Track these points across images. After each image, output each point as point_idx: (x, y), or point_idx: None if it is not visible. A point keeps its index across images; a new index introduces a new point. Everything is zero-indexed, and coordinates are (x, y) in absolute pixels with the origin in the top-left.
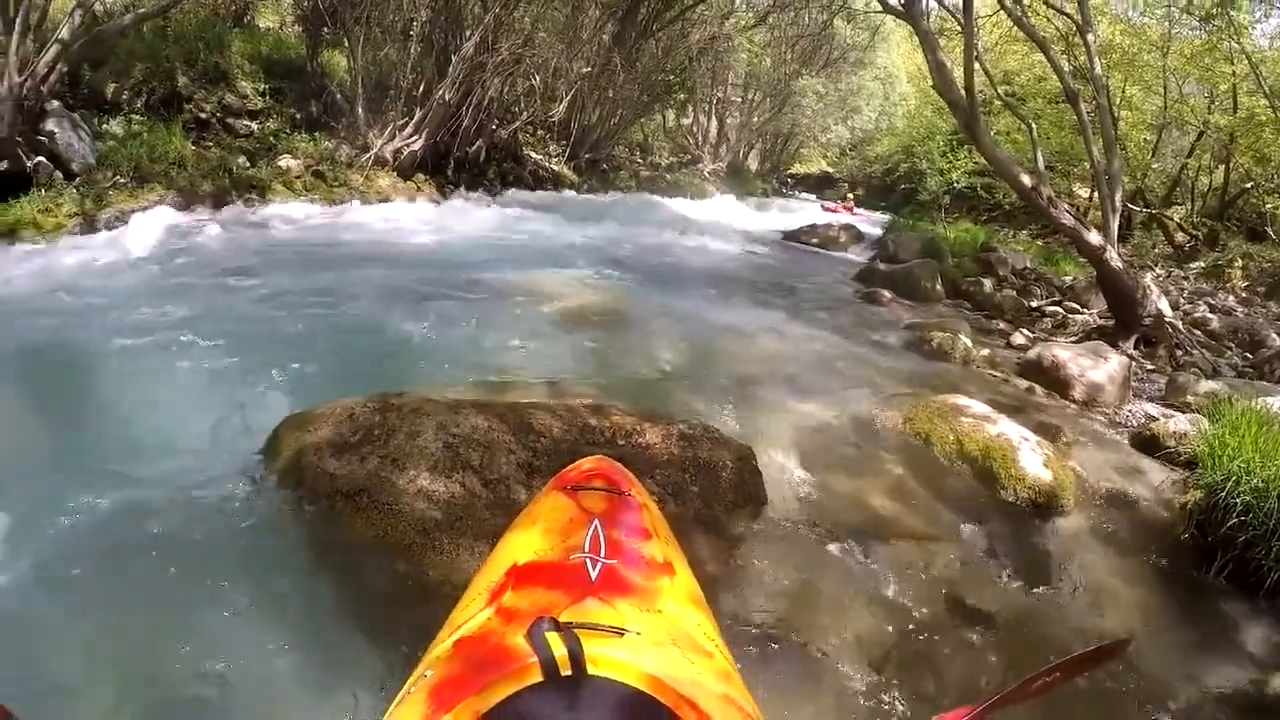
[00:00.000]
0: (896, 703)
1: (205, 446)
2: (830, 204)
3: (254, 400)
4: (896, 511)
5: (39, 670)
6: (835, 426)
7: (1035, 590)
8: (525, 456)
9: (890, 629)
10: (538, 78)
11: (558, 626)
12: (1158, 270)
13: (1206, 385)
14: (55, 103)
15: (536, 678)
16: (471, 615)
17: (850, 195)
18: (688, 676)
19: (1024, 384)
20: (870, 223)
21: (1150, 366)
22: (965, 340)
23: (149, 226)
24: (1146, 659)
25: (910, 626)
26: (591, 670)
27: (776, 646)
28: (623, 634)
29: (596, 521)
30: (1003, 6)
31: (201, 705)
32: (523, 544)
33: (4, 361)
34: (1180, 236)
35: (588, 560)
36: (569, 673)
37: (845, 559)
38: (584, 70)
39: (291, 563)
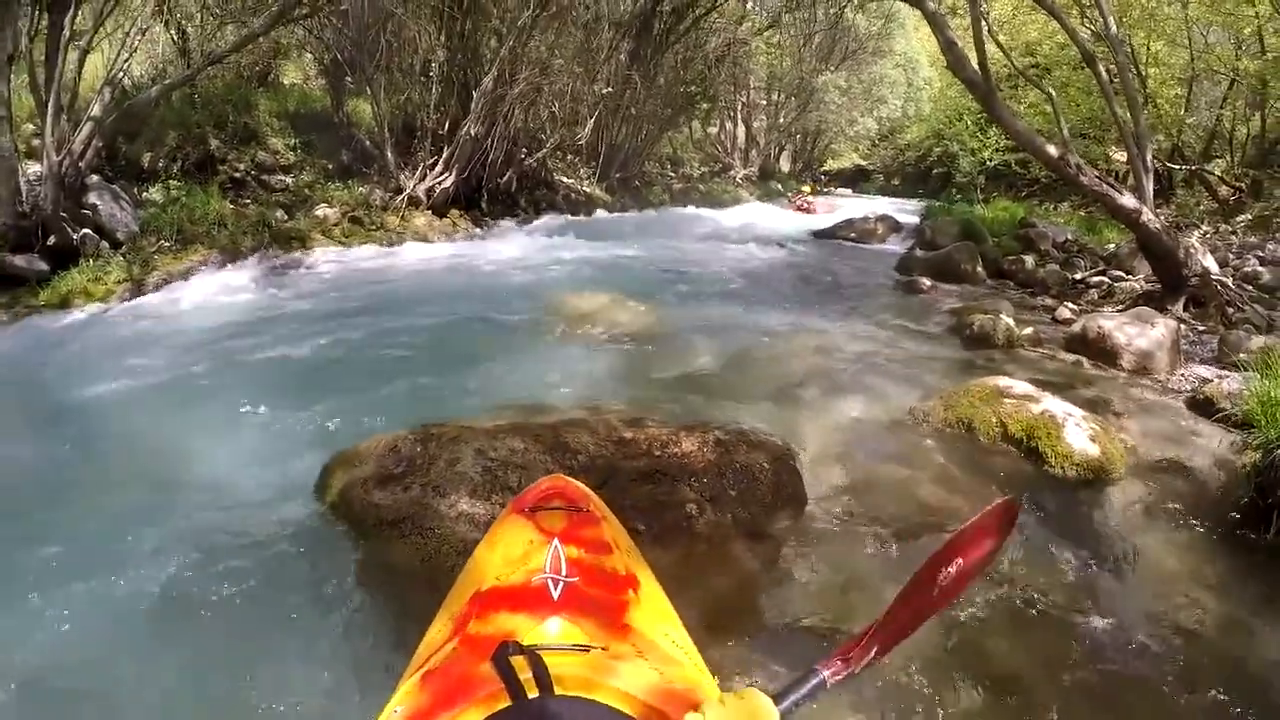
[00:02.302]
0: (952, 695)
1: (261, 487)
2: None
3: (305, 441)
4: (942, 500)
5: (100, 691)
6: (876, 421)
7: (1090, 564)
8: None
9: (936, 623)
10: (559, 104)
11: (521, 650)
12: (1204, 227)
13: (1260, 340)
14: (95, 176)
15: (504, 703)
16: (438, 647)
17: (809, 186)
18: (657, 686)
19: (1071, 358)
20: (906, 211)
21: (1201, 328)
22: (1007, 320)
23: (195, 286)
24: (1207, 623)
25: (961, 614)
26: (559, 690)
27: (817, 648)
28: (588, 650)
29: (556, 541)
30: None
31: None
32: (484, 570)
33: (67, 420)
34: (1223, 190)
35: (549, 580)
36: (536, 695)
37: (890, 553)
38: (604, 91)
39: (341, 591)
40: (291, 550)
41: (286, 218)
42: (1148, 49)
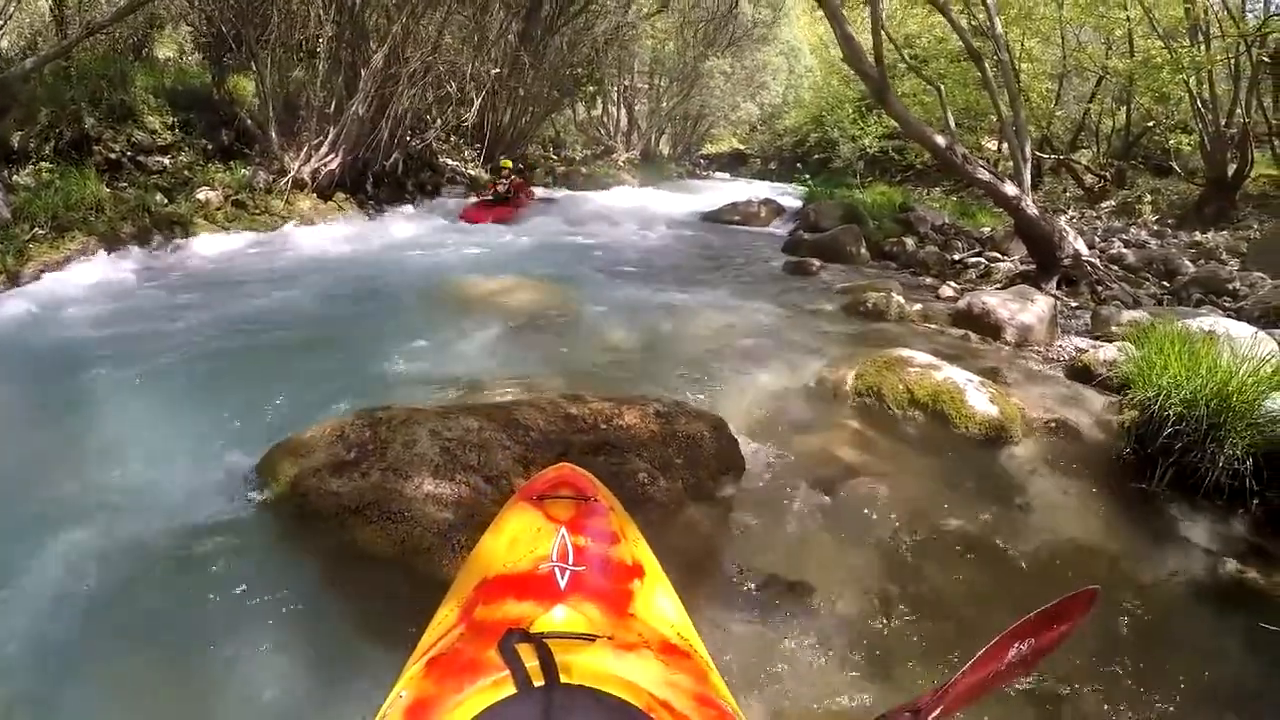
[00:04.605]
0: (890, 628)
1: (196, 485)
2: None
3: (230, 434)
4: (863, 461)
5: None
6: (791, 391)
7: (999, 515)
8: (519, 450)
9: (875, 565)
10: (454, 84)
11: (528, 637)
12: (1071, 212)
13: (1129, 315)
14: None
15: (510, 690)
16: (444, 633)
17: (507, 169)
18: (662, 678)
19: (958, 332)
20: (786, 195)
21: (1074, 304)
22: (898, 298)
23: (75, 277)
24: (1104, 566)
25: (892, 561)
26: (564, 679)
27: (777, 595)
28: (594, 640)
29: (563, 530)
30: None
31: None
32: (491, 557)
33: None
34: (1089, 178)
35: (556, 569)
36: (542, 683)
37: (825, 507)
38: (494, 72)
39: (308, 584)
40: (248, 546)
41: (166, 201)
42: (1022, 45)
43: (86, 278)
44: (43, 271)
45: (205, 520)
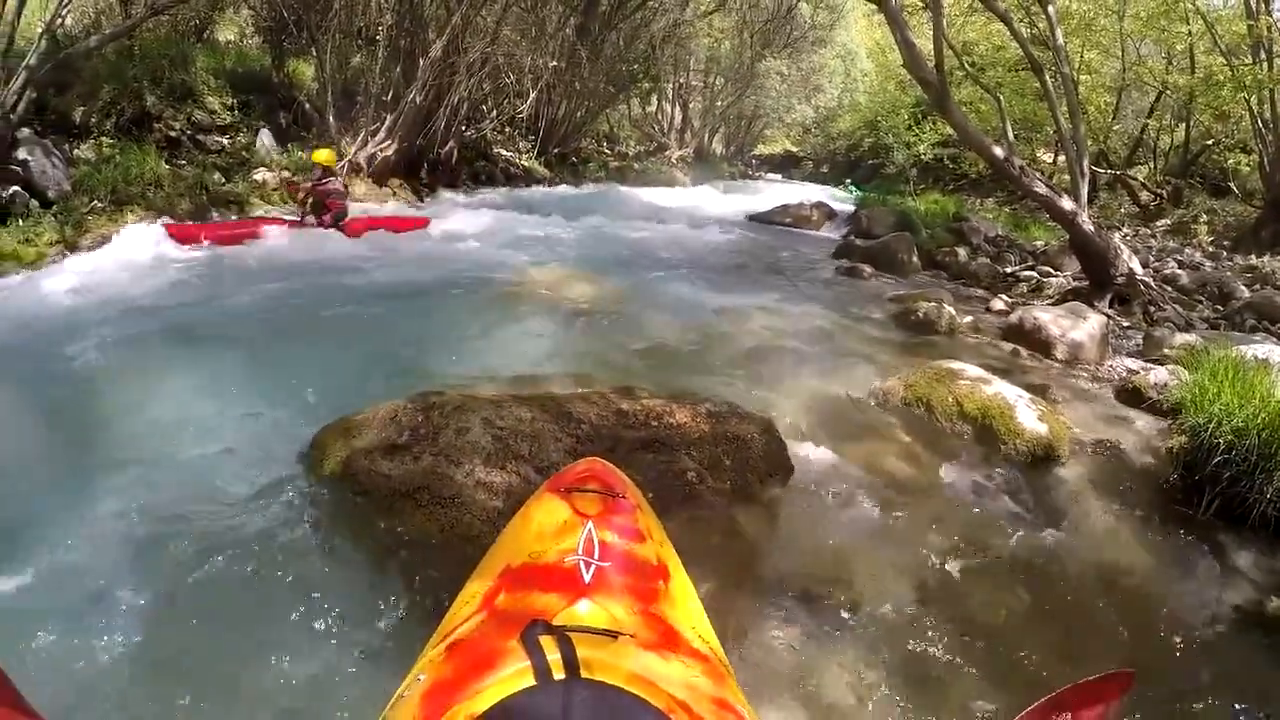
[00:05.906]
0: (925, 650)
1: (247, 460)
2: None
3: (281, 412)
4: (910, 471)
5: (105, 685)
6: (841, 397)
7: (1042, 534)
8: (570, 443)
9: (915, 581)
10: (511, 76)
11: (551, 630)
12: (1125, 229)
13: (1181, 338)
14: (25, 130)
15: (529, 681)
16: (465, 619)
17: (320, 165)
18: (682, 680)
19: (1008, 347)
20: (836, 198)
21: (1126, 323)
22: (949, 309)
23: (133, 250)
24: (1147, 593)
25: (933, 578)
26: (585, 673)
27: (818, 599)
28: (616, 637)
29: (590, 524)
30: None
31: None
32: (516, 546)
33: (16, 393)
34: (1145, 195)
35: (581, 563)
36: (562, 676)
37: (870, 517)
38: (551, 65)
39: (359, 564)
40: (297, 522)
41: (224, 180)
42: (1081, 57)
43: (143, 251)
44: (100, 243)
45: (255, 495)
